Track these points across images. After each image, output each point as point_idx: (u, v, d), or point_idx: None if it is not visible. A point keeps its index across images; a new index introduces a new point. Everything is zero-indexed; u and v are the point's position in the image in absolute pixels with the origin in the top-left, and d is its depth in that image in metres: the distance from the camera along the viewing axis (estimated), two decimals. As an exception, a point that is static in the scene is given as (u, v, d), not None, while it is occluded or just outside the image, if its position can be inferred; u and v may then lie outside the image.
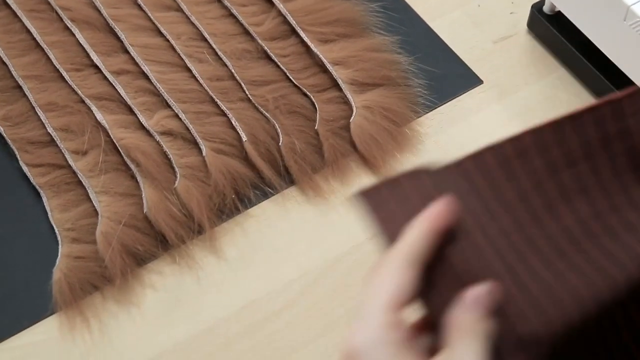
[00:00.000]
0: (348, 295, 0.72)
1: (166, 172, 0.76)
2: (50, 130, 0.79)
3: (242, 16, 0.86)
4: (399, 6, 0.89)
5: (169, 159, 0.77)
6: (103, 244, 0.72)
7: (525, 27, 0.87)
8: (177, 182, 0.76)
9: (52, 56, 0.83)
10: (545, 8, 0.84)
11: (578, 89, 0.83)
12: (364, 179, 0.78)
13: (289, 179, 0.78)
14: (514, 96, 0.83)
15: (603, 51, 0.78)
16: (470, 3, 0.89)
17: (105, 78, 0.82)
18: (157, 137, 0.78)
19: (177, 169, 0.76)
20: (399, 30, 0.86)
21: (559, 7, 0.82)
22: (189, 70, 0.82)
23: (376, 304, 0.47)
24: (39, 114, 0.80)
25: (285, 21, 0.86)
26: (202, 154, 0.77)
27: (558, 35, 0.83)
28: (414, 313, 0.50)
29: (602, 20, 0.77)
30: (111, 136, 0.78)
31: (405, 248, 0.48)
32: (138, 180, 0.76)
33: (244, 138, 0.78)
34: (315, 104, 0.81)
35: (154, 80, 0.81)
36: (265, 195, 0.77)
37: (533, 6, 0.85)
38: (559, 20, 0.83)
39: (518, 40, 0.86)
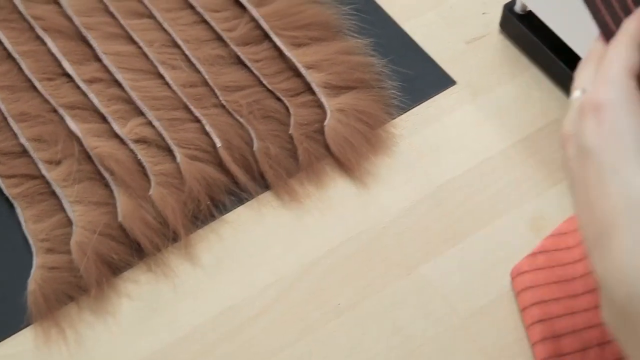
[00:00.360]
0: (324, 299, 0.72)
1: (140, 180, 0.76)
2: (23, 140, 0.78)
3: (215, 22, 0.86)
4: (372, 8, 0.89)
5: (143, 167, 0.77)
6: (78, 254, 0.72)
7: (498, 27, 0.87)
8: (151, 190, 0.75)
9: (23, 66, 0.82)
10: (517, 8, 0.84)
11: (551, 88, 0.83)
12: (339, 182, 0.78)
13: (264, 184, 0.78)
14: (487, 96, 0.83)
15: (574, 49, 0.79)
16: (442, 4, 0.89)
17: (78, 87, 0.82)
18: (131, 145, 0.78)
19: (151, 177, 0.76)
20: (372, 33, 0.87)
21: (530, 7, 0.82)
22: (162, 78, 0.82)
23: (618, 68, 0.53)
24: (12, 124, 0.79)
25: (258, 26, 0.86)
26: (176, 160, 0.77)
27: (530, 35, 0.83)
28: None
29: (572, 19, 0.77)
30: (84, 145, 0.78)
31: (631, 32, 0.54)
32: (112, 189, 0.76)
33: (218, 144, 0.78)
34: (289, 108, 0.81)
35: (127, 88, 0.81)
36: (241, 201, 0.77)
37: (505, 6, 0.85)
38: (530, 19, 0.83)
39: (491, 41, 0.86)
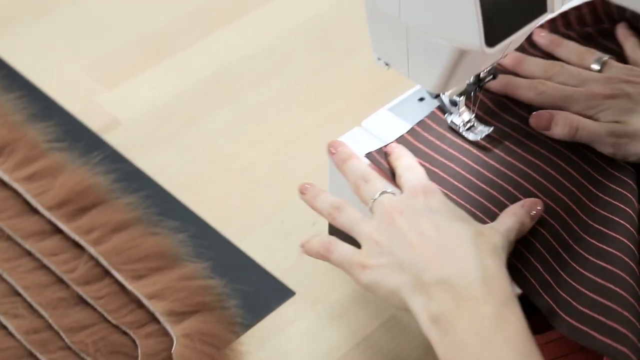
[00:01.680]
0: None
1: None
2: None
3: (55, 265, 0.88)
4: (207, 232, 0.92)
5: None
6: None
7: (328, 235, 0.91)
8: None
9: None
10: (342, 214, 0.89)
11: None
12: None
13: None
14: (325, 301, 0.86)
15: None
16: (274, 219, 0.93)
17: None
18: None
19: None
20: (210, 255, 0.90)
21: (353, 213, 0.87)
22: (5, 328, 0.83)
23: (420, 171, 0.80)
24: None
25: (98, 264, 0.88)
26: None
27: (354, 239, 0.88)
28: None
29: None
30: None
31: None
32: None
33: (66, 387, 0.79)
34: (136, 340, 0.82)
35: (-30, 343, 0.81)
36: None
37: (331, 214, 0.90)
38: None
39: (323, 248, 0.91)
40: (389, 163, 0.81)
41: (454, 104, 0.84)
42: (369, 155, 0.82)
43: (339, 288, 0.87)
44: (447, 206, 0.75)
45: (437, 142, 0.83)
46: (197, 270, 0.88)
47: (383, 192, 0.77)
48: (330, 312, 0.86)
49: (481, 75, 0.81)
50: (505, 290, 0.70)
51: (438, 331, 0.69)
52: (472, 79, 0.81)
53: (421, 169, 0.80)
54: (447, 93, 0.83)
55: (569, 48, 0.89)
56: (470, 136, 0.83)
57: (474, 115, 0.84)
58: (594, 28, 0.92)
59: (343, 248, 0.76)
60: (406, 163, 0.80)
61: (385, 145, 0.83)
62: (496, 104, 0.85)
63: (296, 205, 0.93)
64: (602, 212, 0.78)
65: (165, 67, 1.06)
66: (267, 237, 0.92)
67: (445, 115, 0.84)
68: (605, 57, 0.87)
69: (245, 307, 0.86)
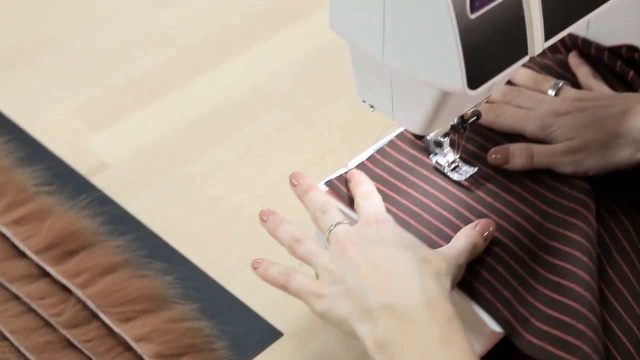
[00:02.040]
0: None
1: None
2: None
3: (42, 309, 0.88)
4: (195, 274, 0.92)
5: None
6: None
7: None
8: None
9: None
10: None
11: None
12: None
13: None
14: (313, 343, 0.87)
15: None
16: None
17: None
18: None
19: None
20: (198, 297, 0.90)
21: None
22: (-7, 373, 0.83)
23: (377, 201, 0.83)
24: None
25: (86, 307, 0.88)
26: None
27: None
28: None
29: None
30: None
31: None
32: None
33: None
34: (124, 383, 0.83)
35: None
36: None
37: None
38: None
39: (310, 289, 0.91)
40: (348, 189, 0.84)
41: (439, 144, 0.84)
42: (328, 183, 0.84)
43: (326, 329, 0.87)
44: (398, 235, 0.78)
45: (397, 169, 0.86)
46: (185, 312, 0.88)
47: (338, 223, 0.79)
48: (318, 354, 0.86)
49: (465, 117, 0.82)
50: (448, 312, 0.72)
51: (385, 356, 0.70)
52: (456, 120, 0.82)
53: (378, 196, 0.82)
54: (432, 134, 0.84)
55: (526, 76, 0.92)
56: (455, 176, 0.84)
57: (458, 156, 0.85)
58: (550, 58, 0.95)
59: (301, 278, 0.79)
60: (364, 190, 0.82)
61: (346, 172, 0.85)
62: (479, 147, 0.87)
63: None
64: (555, 228, 0.80)
65: (154, 109, 1.07)
66: (254, 278, 0.91)
67: (430, 155, 0.85)
68: (560, 83, 0.90)
69: (233, 348, 0.86)
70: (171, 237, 0.95)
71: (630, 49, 0.91)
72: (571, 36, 0.94)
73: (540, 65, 0.94)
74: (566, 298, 0.76)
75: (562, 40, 0.95)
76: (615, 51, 0.92)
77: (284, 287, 0.80)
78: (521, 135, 0.87)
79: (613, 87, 0.90)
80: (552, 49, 0.95)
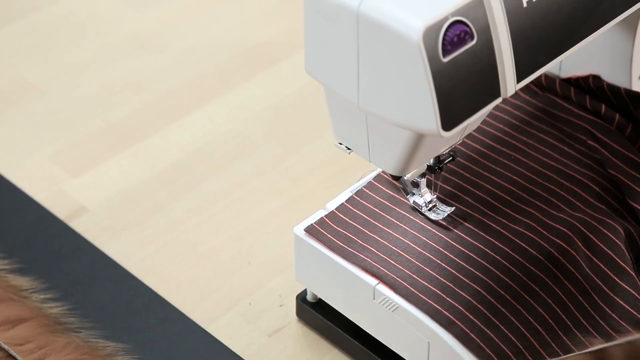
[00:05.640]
0: None
1: None
2: None
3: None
4: (175, 317, 0.93)
5: None
6: None
7: (295, 316, 0.92)
8: None
9: None
10: (309, 297, 0.90)
11: (350, 366, 0.88)
12: None
13: None
14: (294, 384, 0.87)
15: (363, 328, 0.84)
16: (241, 302, 0.94)
17: None
18: None
19: None
20: (180, 339, 0.90)
21: (319, 295, 0.88)
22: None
23: None
24: None
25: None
26: None
27: (324, 320, 0.89)
28: None
29: (355, 302, 0.83)
30: None
31: None
32: None
33: None
34: None
35: None
36: None
37: (297, 296, 0.91)
38: (323, 305, 0.89)
39: (290, 330, 0.91)
40: (329, 233, 0.85)
41: (416, 185, 0.86)
42: (308, 229, 0.85)
43: (307, 370, 0.88)
44: None
45: (376, 209, 0.87)
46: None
47: None
48: (299, 395, 0.86)
49: (441, 157, 0.83)
50: None
51: None
52: (432, 161, 0.83)
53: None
54: (409, 175, 0.85)
55: None
56: (432, 216, 0.85)
57: (435, 196, 0.86)
58: (539, 98, 0.96)
59: None
60: None
61: (327, 215, 0.86)
62: (456, 187, 0.88)
63: (263, 288, 0.94)
64: (535, 270, 0.81)
65: (131, 154, 1.08)
66: (234, 320, 0.93)
67: (408, 195, 0.86)
68: None
69: (214, 391, 0.86)
70: (150, 281, 0.95)
71: (597, 78, 0.93)
72: (546, 76, 0.95)
73: (524, 103, 0.95)
74: (549, 336, 0.77)
75: (537, 80, 0.96)
76: (584, 83, 0.93)
77: None
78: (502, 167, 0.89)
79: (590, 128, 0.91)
80: (526, 89, 0.96)
